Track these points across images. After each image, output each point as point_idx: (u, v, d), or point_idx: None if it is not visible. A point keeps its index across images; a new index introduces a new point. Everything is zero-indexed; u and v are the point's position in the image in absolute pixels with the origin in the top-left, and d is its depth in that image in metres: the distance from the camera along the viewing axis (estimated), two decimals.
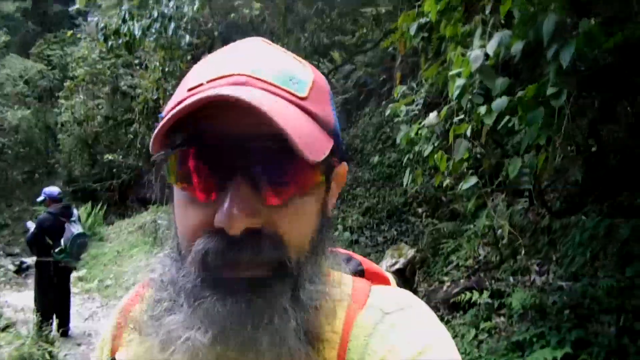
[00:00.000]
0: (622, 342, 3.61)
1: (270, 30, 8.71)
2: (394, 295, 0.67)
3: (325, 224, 0.63)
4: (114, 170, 16.22)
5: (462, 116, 2.54)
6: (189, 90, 0.57)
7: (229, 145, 0.53)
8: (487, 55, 2.08)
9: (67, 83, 15.29)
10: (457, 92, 2.18)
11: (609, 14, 2.15)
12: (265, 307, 0.54)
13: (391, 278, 0.76)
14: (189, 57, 10.22)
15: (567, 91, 1.95)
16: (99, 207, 13.84)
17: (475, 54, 2.06)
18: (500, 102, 2.09)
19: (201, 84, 0.57)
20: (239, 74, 0.56)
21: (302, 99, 0.58)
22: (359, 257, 0.77)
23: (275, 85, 0.56)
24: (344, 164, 0.68)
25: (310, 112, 0.58)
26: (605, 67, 2.80)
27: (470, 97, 2.21)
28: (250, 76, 0.56)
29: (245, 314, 0.52)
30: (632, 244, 4.20)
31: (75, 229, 6.37)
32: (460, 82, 2.16)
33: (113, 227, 13.70)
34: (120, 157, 15.24)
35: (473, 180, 2.40)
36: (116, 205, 16.48)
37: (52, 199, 6.79)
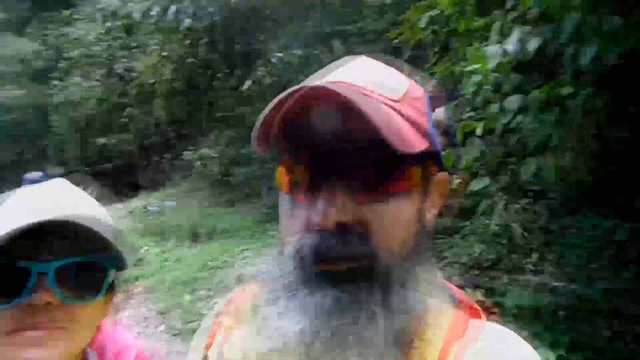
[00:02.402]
0: (615, 346, 3.62)
1: (271, 18, 8.60)
2: (495, 331, 0.65)
3: (422, 232, 0.65)
4: (107, 154, 16.04)
5: (472, 113, 2.49)
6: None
7: (324, 148, 0.59)
8: (504, 51, 2.03)
9: (62, 64, 15.06)
10: (471, 90, 2.13)
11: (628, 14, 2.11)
12: (352, 305, 0.56)
13: (482, 314, 0.74)
14: (187, 42, 10.09)
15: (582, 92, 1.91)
16: (90, 191, 13.67)
17: (492, 49, 2.01)
18: (513, 100, 2.04)
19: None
20: (337, 82, 0.62)
21: (394, 101, 0.62)
22: (451, 286, 0.75)
23: (367, 89, 0.62)
24: (446, 173, 0.71)
25: (402, 113, 0.62)
26: (615, 67, 2.76)
27: (484, 94, 2.16)
28: (346, 83, 0.62)
29: (332, 310, 0.56)
30: (630, 248, 4.21)
31: None
32: (476, 78, 2.10)
33: None
34: (114, 141, 15.08)
35: (485, 181, 2.35)
36: (108, 190, 16.32)
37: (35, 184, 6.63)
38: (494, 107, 2.13)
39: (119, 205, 14.28)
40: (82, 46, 14.09)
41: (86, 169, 16.74)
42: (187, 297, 7.14)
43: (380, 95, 0.62)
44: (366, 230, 0.59)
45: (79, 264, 0.78)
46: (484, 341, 0.62)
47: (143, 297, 7.76)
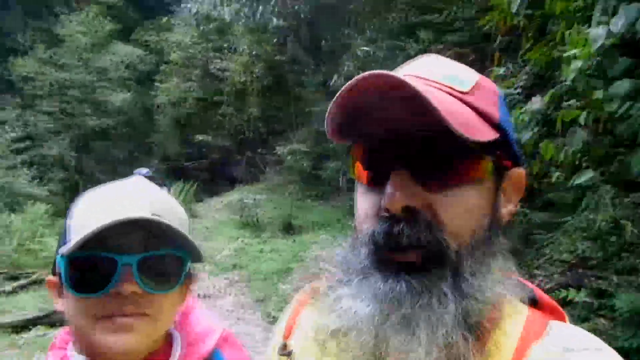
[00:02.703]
0: None
1: (356, 11, 8.55)
2: (577, 333, 0.63)
3: (495, 224, 0.65)
4: (204, 150, 17.00)
5: (572, 101, 2.29)
6: None
7: (392, 138, 0.61)
8: (608, 33, 1.84)
9: (163, 67, 16.17)
10: (572, 75, 1.95)
11: None
12: (423, 289, 0.58)
13: (566, 315, 0.70)
14: (275, 40, 10.37)
15: None
16: (190, 184, 14.59)
17: (596, 32, 1.83)
18: (622, 85, 1.84)
19: None
20: (406, 75, 0.63)
21: (463, 92, 0.62)
22: (531, 285, 0.72)
23: (437, 82, 0.63)
24: (521, 169, 0.68)
25: (470, 104, 0.61)
26: None
27: (587, 80, 1.97)
28: (414, 76, 0.64)
29: (404, 294, 0.57)
30: None
31: None
32: (577, 64, 1.93)
33: (203, 204, 14.40)
34: (210, 137, 15.93)
35: (589, 174, 2.15)
36: (205, 183, 17.31)
37: None
38: (599, 94, 1.93)
39: (217, 199, 15.15)
40: (180, 49, 15.01)
41: (186, 164, 17.93)
42: (282, 286, 7.40)
43: (448, 87, 0.63)
44: (433, 216, 0.60)
45: (159, 256, 0.84)
46: (561, 344, 0.59)
47: (241, 284, 8.17)
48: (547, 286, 4.91)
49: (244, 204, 11.18)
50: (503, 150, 0.64)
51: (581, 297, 4.41)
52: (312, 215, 10.34)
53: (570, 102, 2.34)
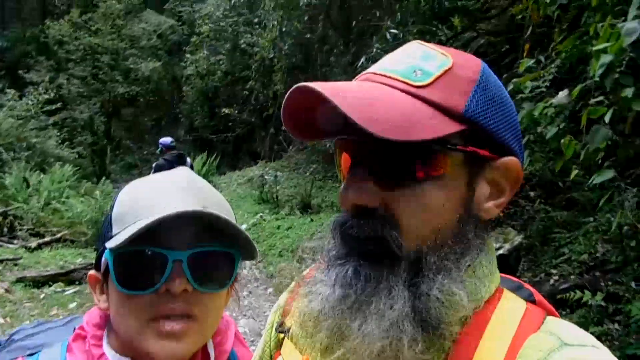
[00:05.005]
0: None
1: None
2: (574, 329, 0.62)
3: (469, 220, 0.63)
4: (230, 123, 17.12)
5: (600, 98, 2.20)
6: None
7: (350, 138, 0.63)
8: None
9: (194, 38, 16.21)
10: (600, 71, 1.87)
11: None
12: (371, 278, 0.59)
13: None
14: (305, 18, 10.26)
15: None
16: (213, 157, 14.73)
17: (629, 25, 1.73)
18: None
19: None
20: (368, 73, 0.66)
21: (418, 87, 0.61)
22: (530, 288, 0.72)
23: (393, 78, 0.63)
24: (512, 158, 0.64)
25: (425, 99, 0.60)
26: None
27: (616, 76, 1.89)
28: (375, 73, 0.65)
29: (351, 279, 0.60)
30: None
31: None
32: (606, 58, 1.84)
33: (224, 177, 14.54)
34: (236, 111, 15.99)
35: (608, 174, 2.07)
36: (229, 157, 17.47)
37: (166, 147, 7.47)
38: (628, 92, 1.85)
39: (239, 173, 15.28)
40: (211, 22, 15.00)
41: (212, 136, 18.11)
42: (296, 264, 7.47)
43: (403, 82, 0.62)
44: (391, 215, 0.60)
45: (210, 252, 0.79)
46: (558, 338, 0.59)
47: (256, 259, 8.24)
48: (562, 287, 4.83)
49: (264, 180, 11.23)
50: (477, 141, 0.62)
51: (596, 300, 4.33)
52: (331, 195, 10.32)
53: (599, 99, 2.25)
